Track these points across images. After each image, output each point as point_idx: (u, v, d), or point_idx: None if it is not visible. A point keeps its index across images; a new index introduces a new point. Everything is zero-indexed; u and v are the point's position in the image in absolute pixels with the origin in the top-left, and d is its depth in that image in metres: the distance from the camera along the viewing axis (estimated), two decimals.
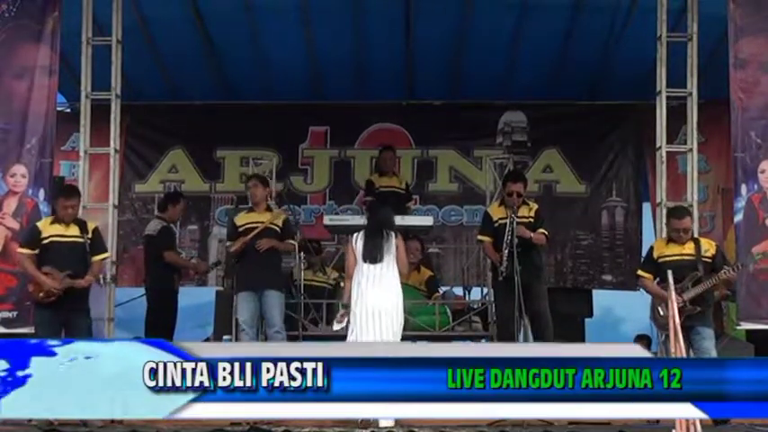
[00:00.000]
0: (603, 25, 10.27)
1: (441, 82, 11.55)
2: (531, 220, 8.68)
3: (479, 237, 9.02)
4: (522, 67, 11.06)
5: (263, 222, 8.67)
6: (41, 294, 7.67)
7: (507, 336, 8.52)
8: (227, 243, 8.79)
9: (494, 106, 11.94)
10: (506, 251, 8.40)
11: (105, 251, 8.05)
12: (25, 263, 7.79)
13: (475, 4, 10.04)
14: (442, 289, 10.37)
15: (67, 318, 7.70)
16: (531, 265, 8.55)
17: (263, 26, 10.43)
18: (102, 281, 8.16)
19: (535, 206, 8.88)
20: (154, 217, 10.23)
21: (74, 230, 7.80)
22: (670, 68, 8.53)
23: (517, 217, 8.55)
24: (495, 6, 10.05)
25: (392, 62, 11.09)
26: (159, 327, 9.22)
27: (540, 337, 8.50)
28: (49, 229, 7.80)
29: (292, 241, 8.93)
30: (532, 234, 8.54)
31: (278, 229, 8.70)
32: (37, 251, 7.76)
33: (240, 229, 8.68)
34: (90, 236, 7.82)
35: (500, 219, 8.68)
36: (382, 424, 6.85)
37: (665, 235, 8.26)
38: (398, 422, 6.77)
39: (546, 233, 8.80)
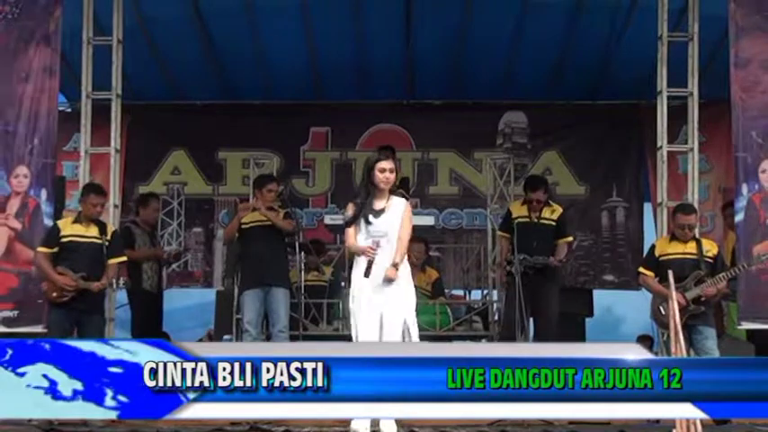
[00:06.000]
0: (604, 25, 10.27)
1: (441, 82, 11.55)
2: (554, 223, 8.79)
3: (498, 231, 9.19)
4: (522, 67, 11.05)
5: (268, 219, 8.65)
6: (54, 294, 7.67)
7: (509, 336, 8.55)
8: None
9: (494, 106, 11.95)
10: (520, 257, 8.54)
11: (122, 255, 8.06)
12: (41, 261, 7.79)
13: (475, 4, 10.05)
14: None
15: (80, 318, 7.71)
16: (544, 266, 8.67)
17: (264, 26, 10.43)
18: (114, 285, 8.14)
19: (559, 209, 8.96)
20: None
21: (93, 231, 7.82)
22: (671, 68, 8.54)
23: (539, 219, 8.75)
24: (495, 6, 10.04)
25: (392, 62, 11.09)
26: (136, 327, 9.14)
27: (541, 336, 8.52)
28: (69, 229, 7.82)
29: (290, 224, 8.78)
30: (552, 259, 8.66)
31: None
32: (55, 249, 7.77)
33: (246, 227, 8.67)
34: (109, 238, 7.84)
35: (520, 216, 8.83)
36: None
37: (666, 234, 8.27)
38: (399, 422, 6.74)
39: (569, 240, 9.07)
